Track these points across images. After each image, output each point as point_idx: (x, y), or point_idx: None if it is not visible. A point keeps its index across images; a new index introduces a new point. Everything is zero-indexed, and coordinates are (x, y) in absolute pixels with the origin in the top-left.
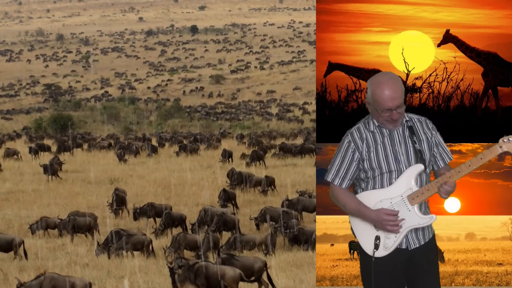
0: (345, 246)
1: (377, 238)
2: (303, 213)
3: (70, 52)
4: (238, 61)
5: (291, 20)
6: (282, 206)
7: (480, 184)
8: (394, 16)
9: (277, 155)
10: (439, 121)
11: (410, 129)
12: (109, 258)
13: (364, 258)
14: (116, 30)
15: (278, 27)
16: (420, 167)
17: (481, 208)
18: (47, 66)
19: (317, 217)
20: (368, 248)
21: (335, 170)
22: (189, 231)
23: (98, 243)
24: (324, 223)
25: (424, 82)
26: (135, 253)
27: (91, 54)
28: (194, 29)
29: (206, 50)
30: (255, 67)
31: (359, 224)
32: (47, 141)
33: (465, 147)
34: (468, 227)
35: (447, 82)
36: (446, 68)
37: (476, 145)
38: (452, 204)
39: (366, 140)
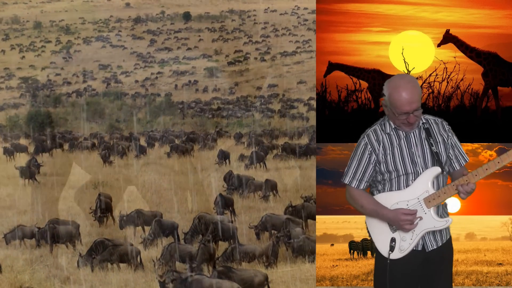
0: (345, 246)
1: (393, 240)
2: (309, 220)
3: (49, 41)
4: (236, 51)
5: (295, 6)
6: (285, 213)
7: (480, 184)
8: (394, 16)
9: (279, 156)
10: None
11: (427, 131)
12: (92, 271)
13: (380, 260)
14: (100, 17)
15: (281, 14)
16: (437, 169)
17: (481, 208)
18: (23, 57)
19: (317, 217)
20: (384, 250)
21: (352, 173)
22: (182, 241)
23: (80, 254)
24: (324, 223)
25: (424, 82)
26: (122, 265)
27: (73, 44)
28: (187, 16)
29: (200, 40)
30: (255, 58)
31: (375, 226)
32: (24, 141)
33: (465, 147)
34: (468, 227)
35: (447, 82)
36: (446, 68)
37: (476, 145)
38: (452, 204)
39: (382, 142)
